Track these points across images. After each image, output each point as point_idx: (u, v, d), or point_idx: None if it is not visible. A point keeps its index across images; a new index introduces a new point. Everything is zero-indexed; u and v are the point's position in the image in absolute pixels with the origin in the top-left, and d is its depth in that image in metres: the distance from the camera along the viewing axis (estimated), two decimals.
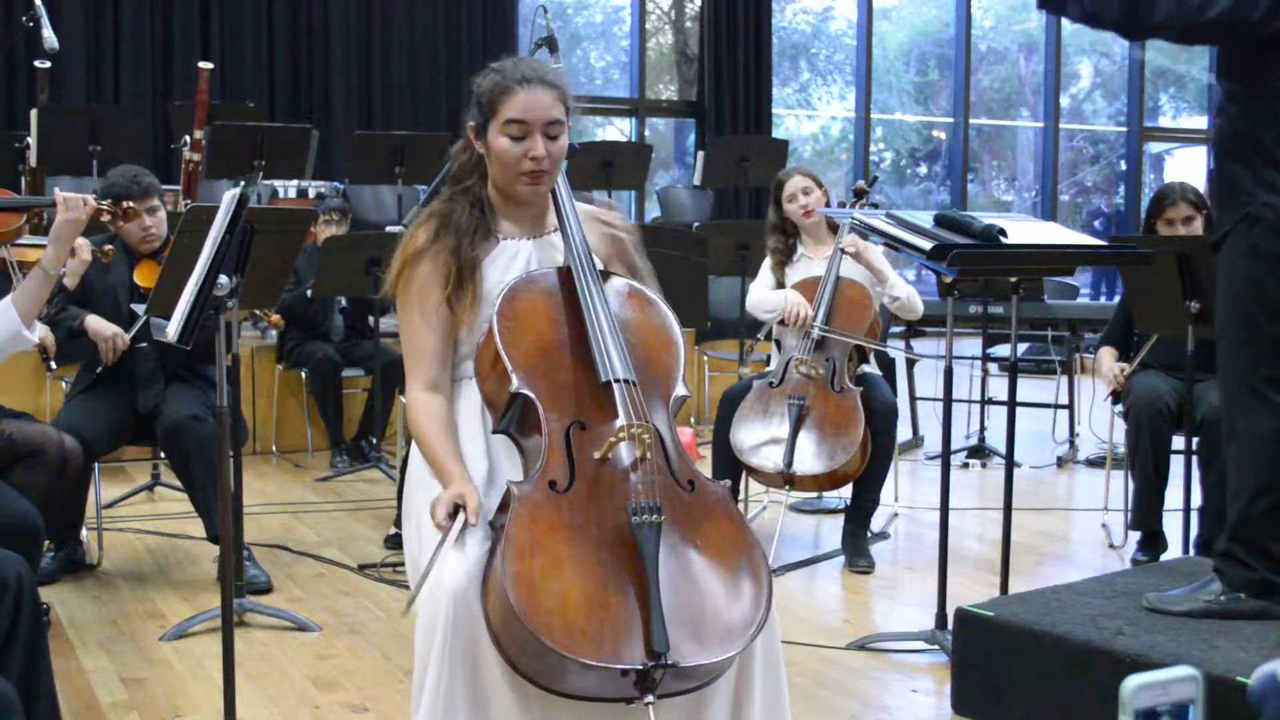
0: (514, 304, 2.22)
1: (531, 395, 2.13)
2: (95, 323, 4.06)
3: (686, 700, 2.05)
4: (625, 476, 2.08)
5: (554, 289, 2.27)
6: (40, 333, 3.71)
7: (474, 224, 2.31)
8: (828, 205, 4.60)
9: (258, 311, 4.44)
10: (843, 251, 4.33)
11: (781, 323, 4.41)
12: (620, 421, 2.10)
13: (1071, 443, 6.45)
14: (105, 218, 3.88)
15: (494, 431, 2.23)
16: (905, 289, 4.39)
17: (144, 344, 4.10)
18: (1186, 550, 3.89)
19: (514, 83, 2.26)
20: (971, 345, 6.71)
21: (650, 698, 1.90)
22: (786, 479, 4.13)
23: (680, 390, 2.26)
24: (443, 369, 2.29)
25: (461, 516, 2.06)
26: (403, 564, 4.27)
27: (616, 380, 2.14)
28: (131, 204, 3.99)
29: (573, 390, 2.17)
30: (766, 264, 4.65)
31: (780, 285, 4.57)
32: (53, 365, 3.94)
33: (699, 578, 2.03)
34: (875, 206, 4.44)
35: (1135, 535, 4.37)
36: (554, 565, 1.97)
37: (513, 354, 2.16)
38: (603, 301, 2.23)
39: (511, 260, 2.33)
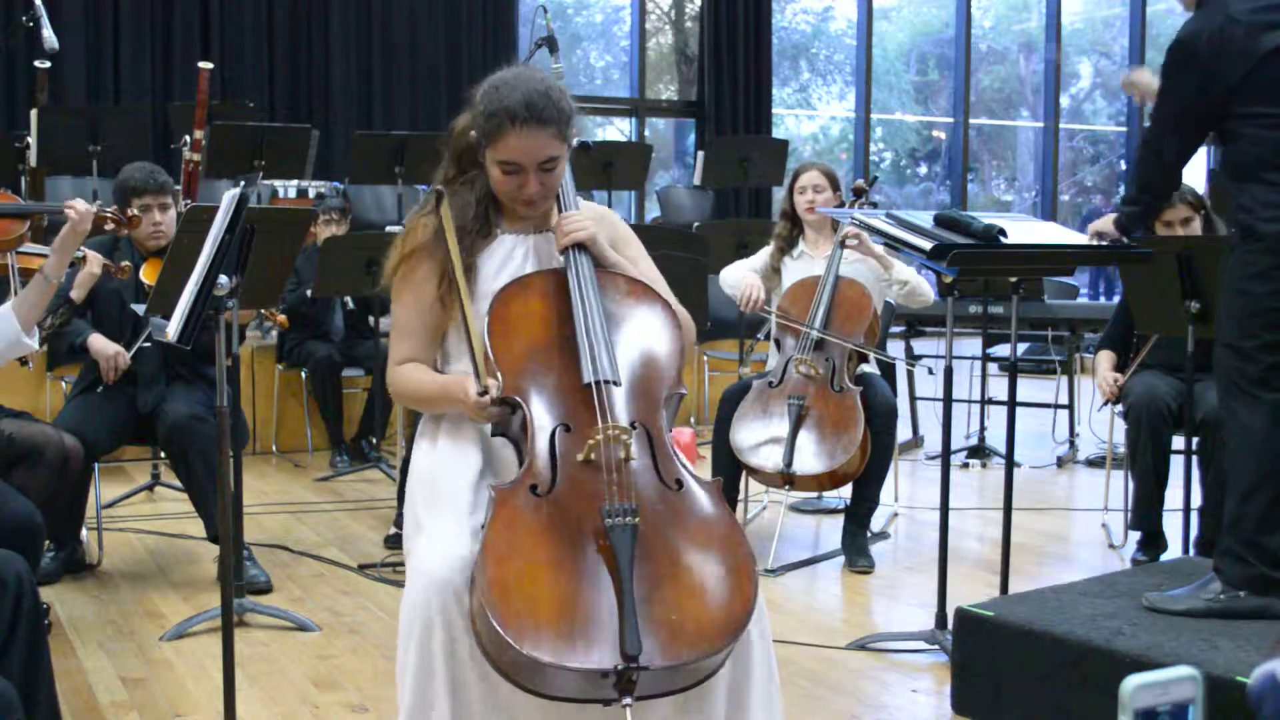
0: (507, 307, 2.22)
1: (519, 400, 2.15)
2: (97, 341, 4.08)
3: (684, 700, 2.05)
4: (604, 479, 2.08)
5: (549, 291, 2.26)
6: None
7: (476, 224, 2.31)
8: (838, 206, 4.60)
9: (263, 311, 4.45)
10: (844, 243, 4.32)
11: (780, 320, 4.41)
12: (599, 423, 2.11)
13: (1071, 443, 6.46)
14: (109, 225, 3.89)
15: (492, 434, 2.24)
16: (911, 272, 4.39)
17: (147, 344, 4.11)
18: (1186, 550, 3.89)
19: (508, 122, 2.19)
20: (971, 345, 6.71)
21: (628, 699, 1.89)
22: (786, 479, 4.13)
23: (676, 389, 2.25)
24: (425, 351, 2.32)
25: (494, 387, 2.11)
26: (403, 564, 4.27)
27: (597, 381, 2.14)
28: (136, 213, 4.02)
29: (560, 393, 2.17)
30: (766, 250, 4.66)
31: (775, 271, 4.58)
32: (30, 365, 3.94)
33: (679, 578, 2.01)
34: (874, 206, 4.44)
35: (1135, 535, 4.37)
36: (530, 569, 1.98)
37: (503, 359, 2.17)
38: (596, 301, 2.22)
39: (508, 255, 2.33)
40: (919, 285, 4.40)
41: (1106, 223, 3.19)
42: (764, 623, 2.14)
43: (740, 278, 4.48)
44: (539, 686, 1.96)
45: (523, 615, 1.91)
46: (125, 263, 4.00)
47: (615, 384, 2.16)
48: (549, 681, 1.94)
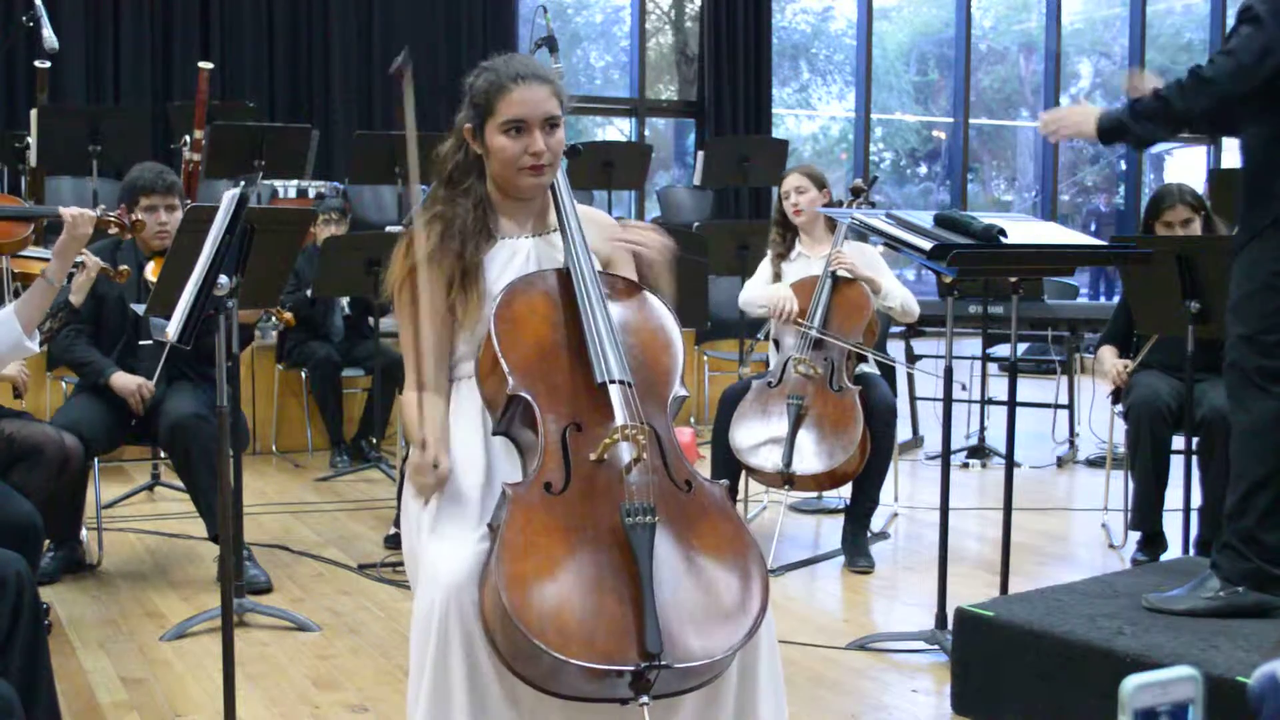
0: (512, 306, 2.22)
1: (528, 397, 2.14)
2: (119, 379, 4.09)
3: (693, 701, 2.05)
4: (621, 478, 2.08)
5: (552, 290, 2.27)
6: (13, 369, 3.75)
7: (477, 226, 2.31)
8: (830, 204, 4.60)
9: (269, 309, 4.47)
10: (834, 275, 4.34)
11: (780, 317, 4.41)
12: (616, 422, 2.10)
13: (1071, 443, 6.46)
14: (113, 230, 3.89)
15: (494, 433, 2.24)
16: (900, 296, 4.42)
17: (148, 343, 4.11)
18: (1186, 550, 3.89)
19: (509, 81, 2.26)
20: (971, 345, 6.71)
21: (645, 698, 1.90)
22: (786, 479, 4.13)
23: (679, 391, 2.26)
24: (439, 368, 2.30)
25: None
26: (402, 564, 4.27)
27: (612, 381, 2.14)
28: (140, 217, 4.03)
29: (570, 392, 2.17)
30: (766, 258, 4.67)
31: (777, 278, 4.58)
32: (22, 400, 3.97)
33: (694, 578, 2.03)
34: (873, 205, 4.45)
35: (1135, 535, 4.37)
36: (548, 567, 1.97)
37: (510, 356, 2.17)
38: (600, 302, 2.23)
39: (510, 258, 2.33)
40: (905, 306, 4.44)
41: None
42: (770, 622, 2.15)
43: (768, 294, 4.45)
44: (556, 686, 1.96)
45: (543, 614, 1.91)
46: (124, 267, 3.99)
47: (629, 385, 2.15)
48: (567, 681, 1.93)
